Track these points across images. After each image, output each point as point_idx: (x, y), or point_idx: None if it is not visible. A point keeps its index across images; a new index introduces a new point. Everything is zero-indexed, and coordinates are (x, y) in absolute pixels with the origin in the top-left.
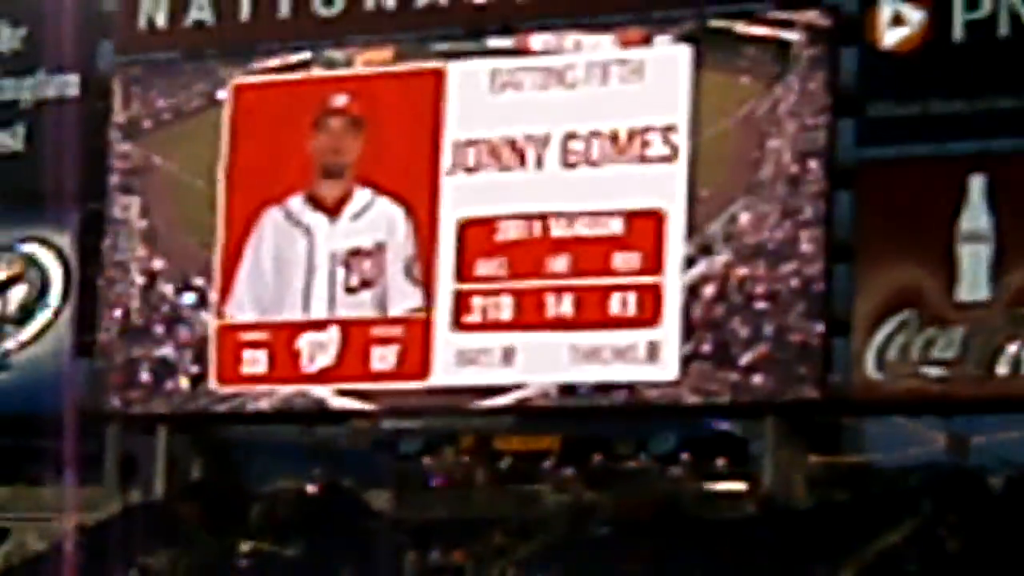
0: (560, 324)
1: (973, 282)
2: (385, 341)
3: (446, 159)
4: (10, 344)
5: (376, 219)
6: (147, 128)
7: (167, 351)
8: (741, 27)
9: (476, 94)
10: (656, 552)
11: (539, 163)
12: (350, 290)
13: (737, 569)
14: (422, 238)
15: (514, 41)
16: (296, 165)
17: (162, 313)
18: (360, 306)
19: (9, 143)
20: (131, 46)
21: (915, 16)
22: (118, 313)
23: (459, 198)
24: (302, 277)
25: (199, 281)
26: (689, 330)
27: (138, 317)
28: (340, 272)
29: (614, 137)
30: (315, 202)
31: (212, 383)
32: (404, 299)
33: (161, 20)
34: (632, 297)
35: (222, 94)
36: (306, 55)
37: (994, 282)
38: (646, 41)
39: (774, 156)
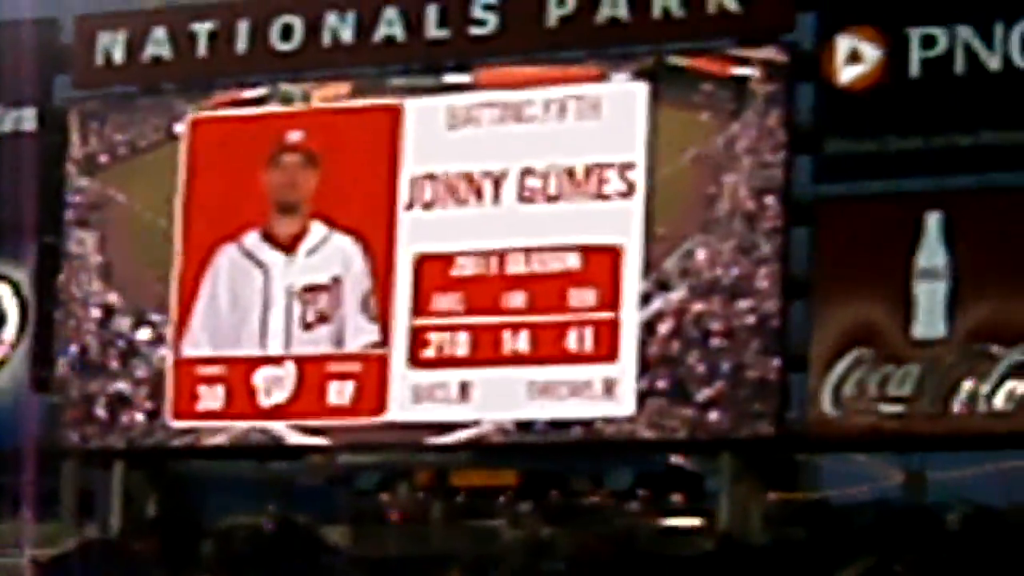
0: (516, 360)
1: (929, 319)
2: (342, 376)
3: (403, 194)
4: None
5: (332, 254)
6: (104, 163)
7: (123, 386)
8: (698, 63)
9: (433, 129)
10: None
11: (496, 198)
12: (307, 326)
13: None
14: (378, 273)
15: (471, 76)
16: (252, 201)
17: (118, 348)
18: (317, 342)
19: None
20: (88, 80)
21: (871, 53)
22: (74, 348)
23: (415, 233)
24: (258, 313)
25: (155, 316)
26: (645, 366)
27: (94, 352)
28: (296, 308)
29: (571, 173)
30: (271, 239)
31: (168, 418)
32: (361, 334)
33: (118, 55)
34: (588, 333)
35: (179, 128)
36: (263, 90)
37: (950, 319)
38: (603, 77)
39: (731, 192)
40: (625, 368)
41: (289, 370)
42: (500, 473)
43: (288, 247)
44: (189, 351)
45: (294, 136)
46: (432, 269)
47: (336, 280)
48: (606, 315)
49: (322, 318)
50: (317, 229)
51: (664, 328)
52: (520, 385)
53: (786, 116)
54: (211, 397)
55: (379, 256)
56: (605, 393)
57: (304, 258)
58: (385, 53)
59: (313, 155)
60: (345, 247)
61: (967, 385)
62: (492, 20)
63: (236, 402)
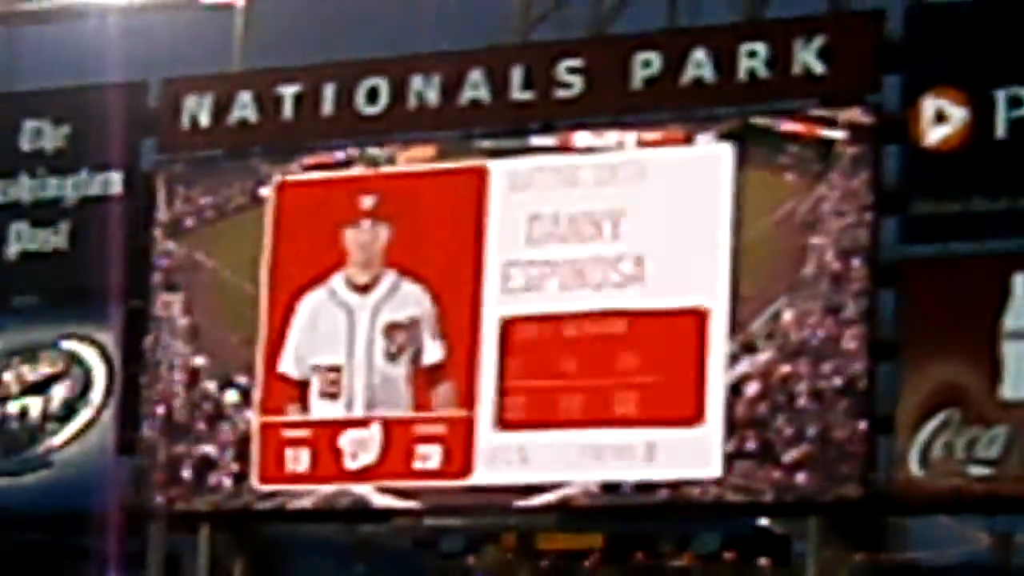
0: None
1: (1017, 380)
2: (428, 440)
3: (490, 258)
4: (54, 441)
5: (407, 298)
6: (190, 226)
7: (209, 448)
8: (784, 125)
9: (517, 191)
10: None
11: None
12: (390, 356)
13: None
14: (459, 331)
15: (556, 139)
16: (335, 254)
17: (204, 410)
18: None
19: (53, 241)
20: (174, 144)
21: (957, 114)
22: (161, 410)
23: (504, 295)
24: (344, 347)
25: (241, 379)
26: (732, 428)
27: (180, 414)
28: (380, 342)
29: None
30: (351, 284)
31: (254, 481)
32: (432, 355)
33: (204, 118)
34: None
35: (265, 191)
36: (349, 152)
37: None
38: (688, 140)
39: (817, 254)
40: (712, 430)
41: (375, 432)
42: (586, 536)
43: (364, 290)
44: (286, 372)
45: (368, 201)
46: (521, 332)
47: (414, 320)
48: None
49: (402, 349)
50: (389, 276)
51: (750, 390)
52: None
53: (872, 177)
54: (297, 460)
55: (464, 316)
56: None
57: (382, 301)
58: (471, 115)
59: (388, 216)
60: (418, 294)
61: None
62: (577, 82)
63: (322, 465)
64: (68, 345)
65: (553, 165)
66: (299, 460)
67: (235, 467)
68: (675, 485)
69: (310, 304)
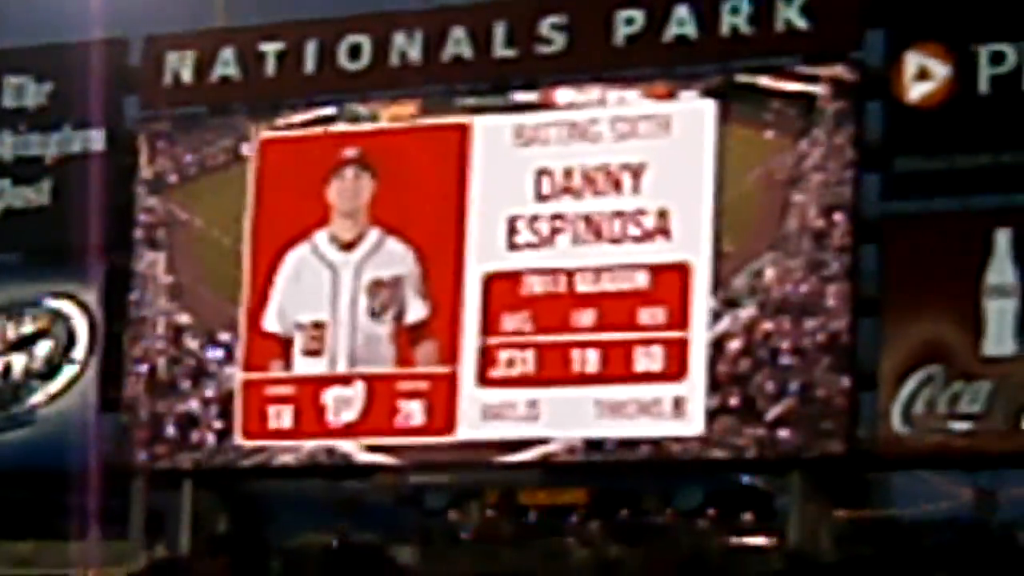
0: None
1: (999, 337)
2: (410, 395)
3: (472, 214)
4: (37, 398)
5: (391, 256)
6: (173, 183)
7: (193, 405)
8: (766, 81)
9: (500, 148)
10: None
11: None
12: (374, 313)
13: None
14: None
15: (538, 95)
16: (318, 211)
17: (187, 367)
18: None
19: (35, 198)
20: (156, 101)
21: (940, 70)
22: (144, 368)
23: (484, 252)
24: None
25: (225, 336)
26: (715, 385)
27: (163, 372)
28: (363, 299)
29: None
30: (335, 240)
31: (237, 437)
32: (416, 312)
33: (187, 75)
34: (658, 351)
35: (247, 148)
36: (331, 110)
37: (1020, 336)
38: (671, 95)
39: (799, 210)
40: (694, 387)
41: (358, 389)
42: (569, 492)
43: (348, 247)
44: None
45: (351, 151)
46: (501, 288)
47: (398, 278)
48: (675, 334)
49: (385, 307)
50: (373, 234)
51: (733, 347)
52: (589, 404)
53: (854, 134)
54: (280, 416)
55: (446, 272)
56: (674, 412)
57: (365, 258)
58: (453, 71)
59: (372, 167)
60: (402, 252)
61: None
62: (559, 39)
63: (306, 422)
64: (51, 303)
65: (534, 122)
66: (282, 417)
67: (218, 424)
68: (657, 442)
69: (293, 261)
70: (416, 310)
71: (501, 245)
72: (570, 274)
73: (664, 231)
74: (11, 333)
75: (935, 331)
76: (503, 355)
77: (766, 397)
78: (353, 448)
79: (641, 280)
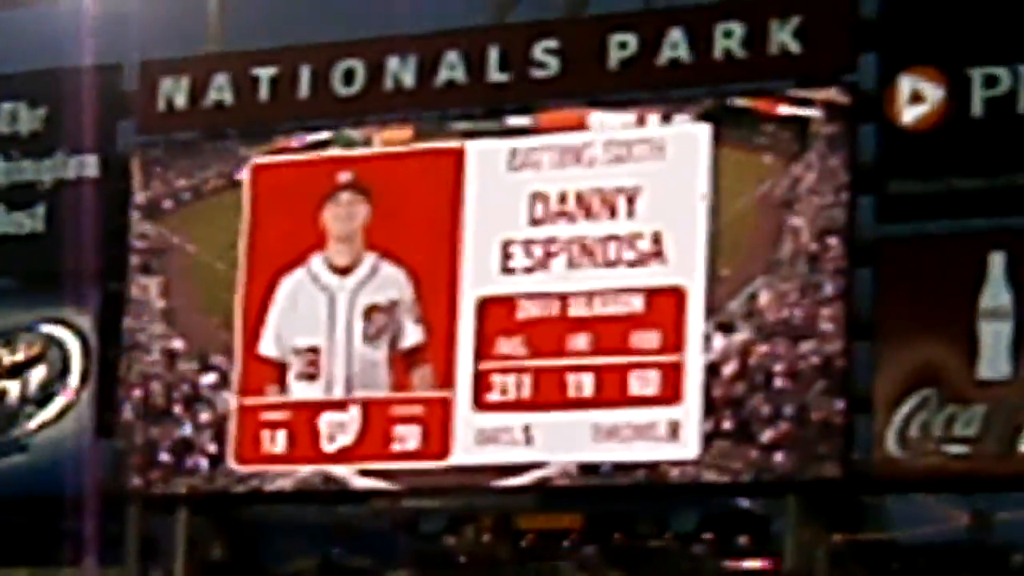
0: (580, 403)
1: (994, 359)
2: (406, 420)
3: (466, 238)
4: (31, 425)
5: (386, 281)
6: (167, 208)
7: (187, 431)
8: (760, 105)
9: (494, 172)
10: None
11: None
12: (368, 338)
13: None
14: (437, 313)
15: (532, 120)
16: (313, 235)
17: (182, 393)
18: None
19: (29, 224)
20: (150, 126)
21: (934, 93)
22: (138, 393)
23: (478, 276)
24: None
25: (219, 360)
26: (710, 408)
27: (158, 397)
28: (358, 324)
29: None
30: (330, 265)
31: (231, 463)
32: (412, 337)
33: (181, 100)
34: (653, 375)
35: (241, 174)
36: (325, 135)
37: (1015, 359)
38: (665, 119)
39: (793, 233)
40: (689, 410)
41: (353, 414)
42: (565, 516)
43: (344, 272)
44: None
45: (346, 176)
46: (495, 313)
47: (393, 302)
48: (670, 358)
49: (381, 332)
50: (369, 259)
51: (728, 370)
52: (584, 428)
53: (849, 157)
54: (274, 441)
55: (440, 296)
56: (669, 436)
57: (361, 283)
58: (447, 96)
59: (366, 190)
60: (398, 277)
61: None
62: (553, 63)
63: (300, 446)
64: (46, 328)
65: (527, 146)
66: (277, 441)
67: (212, 449)
68: (653, 466)
69: (289, 285)
70: (412, 335)
71: (495, 269)
72: (564, 298)
73: (659, 255)
74: (5, 359)
75: (930, 354)
76: (498, 379)
77: (761, 420)
78: (348, 473)
79: (636, 304)
